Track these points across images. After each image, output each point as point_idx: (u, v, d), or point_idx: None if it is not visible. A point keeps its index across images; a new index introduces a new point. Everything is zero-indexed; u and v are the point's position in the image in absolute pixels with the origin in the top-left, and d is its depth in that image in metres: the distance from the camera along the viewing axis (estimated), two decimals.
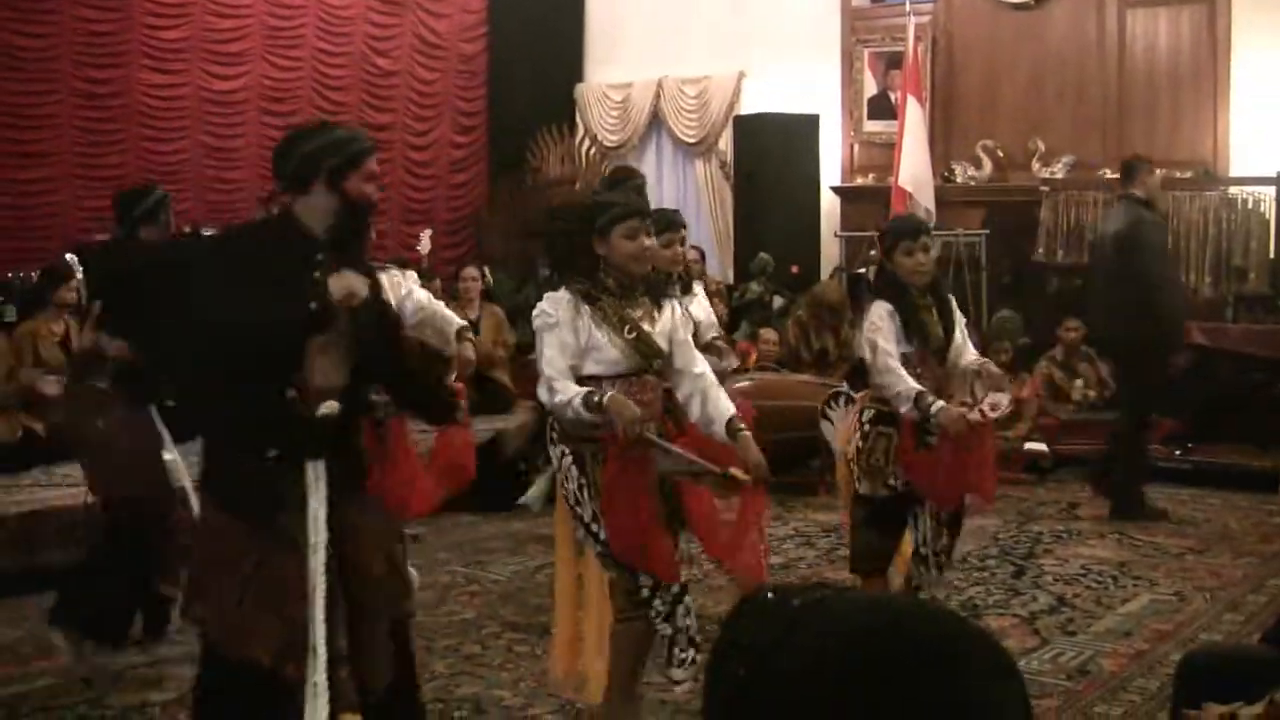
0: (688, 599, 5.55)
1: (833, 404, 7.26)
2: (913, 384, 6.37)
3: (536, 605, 7.93)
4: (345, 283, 4.53)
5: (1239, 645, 6.51)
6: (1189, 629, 7.51)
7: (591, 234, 5.49)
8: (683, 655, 5.52)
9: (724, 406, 5.55)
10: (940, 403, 6.35)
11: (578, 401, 5.20)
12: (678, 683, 5.58)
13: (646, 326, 5.47)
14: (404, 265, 7.80)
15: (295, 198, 4.76)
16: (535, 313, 5.53)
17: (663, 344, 5.50)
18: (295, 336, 4.58)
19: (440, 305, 6.63)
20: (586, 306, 5.40)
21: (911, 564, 6.74)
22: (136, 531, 7.03)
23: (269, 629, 4.50)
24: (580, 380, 5.35)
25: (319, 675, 4.57)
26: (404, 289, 6.45)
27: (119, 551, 7.12)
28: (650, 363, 5.48)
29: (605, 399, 5.17)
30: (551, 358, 5.34)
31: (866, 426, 6.65)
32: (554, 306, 5.42)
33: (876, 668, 1.62)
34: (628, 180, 9.78)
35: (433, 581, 8.54)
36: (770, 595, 1.79)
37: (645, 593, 5.45)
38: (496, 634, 7.49)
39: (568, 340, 5.36)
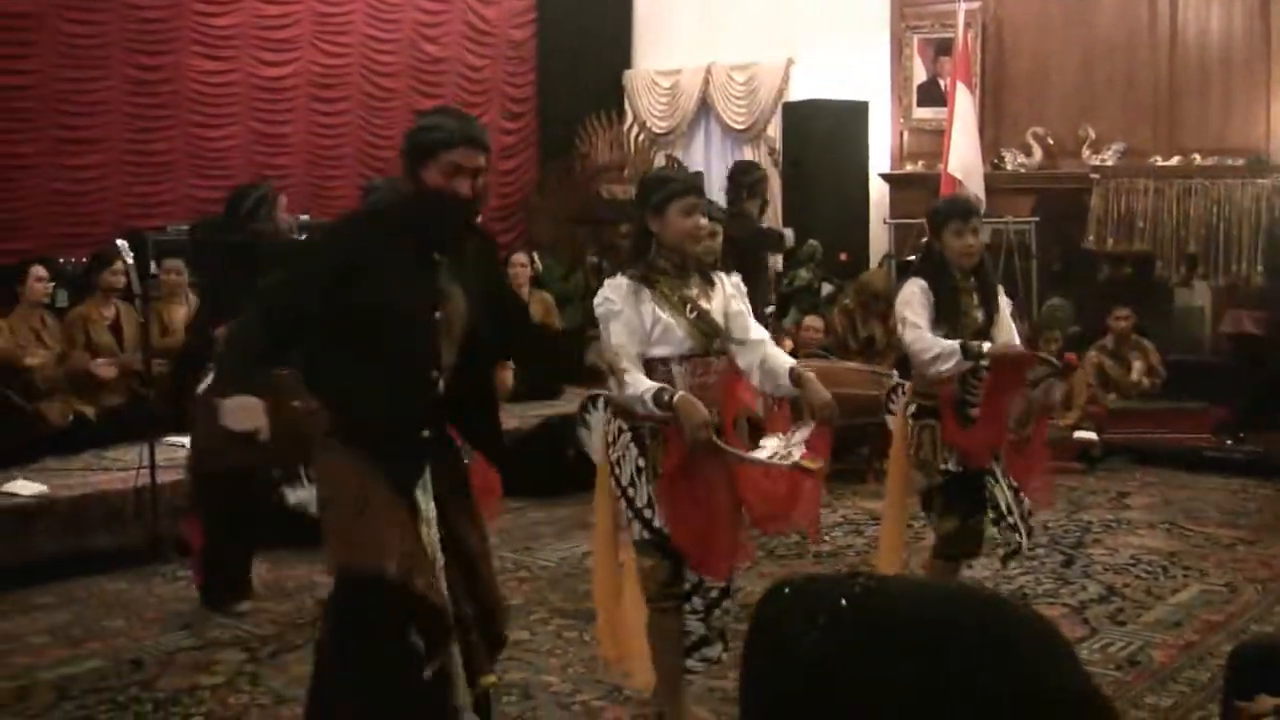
0: (727, 602, 5.54)
1: (893, 397, 7.24)
2: (948, 341, 6.37)
3: (584, 591, 7.93)
4: (234, 419, 4.49)
5: None
6: (1240, 620, 7.46)
7: (647, 211, 5.46)
8: (709, 653, 5.54)
9: (783, 360, 5.54)
10: (987, 344, 6.38)
11: (649, 397, 5.16)
12: (691, 672, 5.62)
13: (704, 304, 5.44)
14: None
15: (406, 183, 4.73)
16: (597, 301, 5.48)
17: (720, 320, 5.48)
18: (430, 325, 4.62)
19: None
20: (646, 290, 5.36)
21: (1001, 533, 6.73)
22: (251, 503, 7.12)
23: (390, 538, 4.49)
24: (647, 363, 5.32)
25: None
26: None
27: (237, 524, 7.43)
28: (711, 342, 5.44)
29: (676, 399, 5.13)
30: (621, 346, 5.30)
31: (910, 422, 6.69)
32: (615, 293, 5.38)
33: (936, 658, 1.62)
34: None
35: None
36: (803, 588, 1.79)
37: (685, 587, 5.45)
38: (545, 620, 7.51)
39: (634, 326, 5.32)
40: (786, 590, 1.82)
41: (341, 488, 4.60)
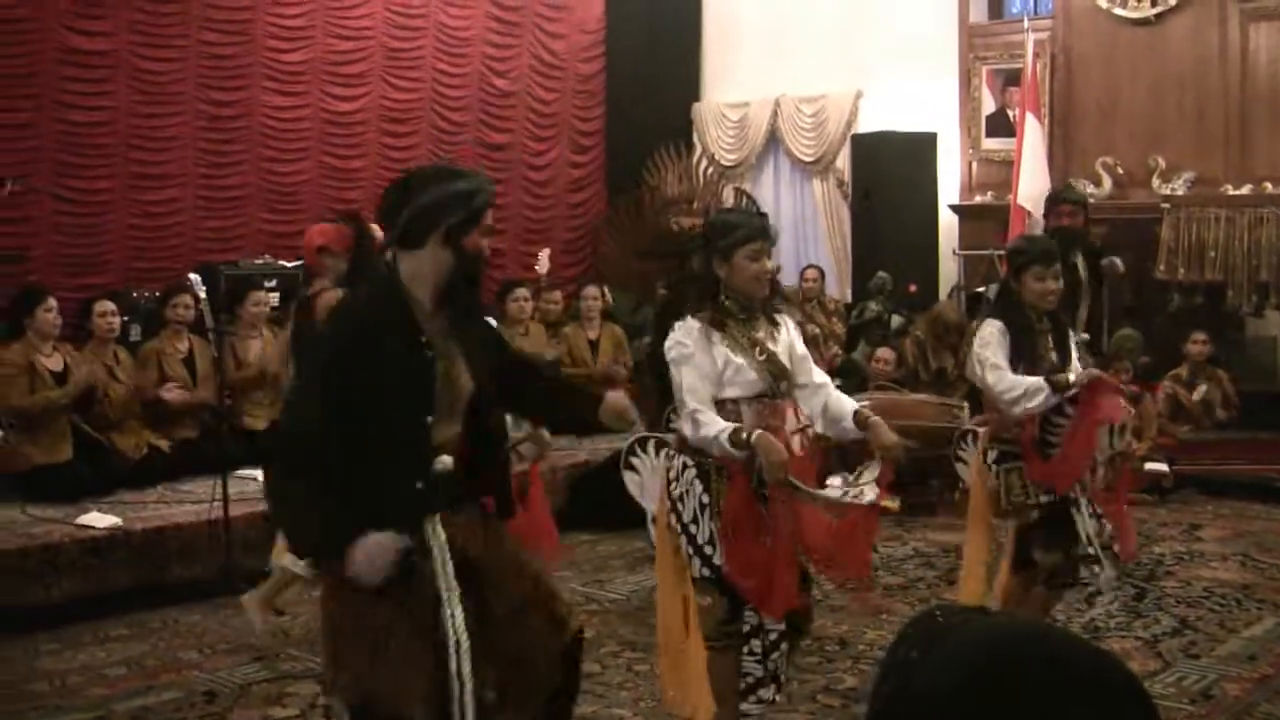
0: (784, 644, 5.52)
1: (963, 444, 7.19)
2: (1033, 378, 6.33)
3: (655, 624, 7.93)
4: (364, 559, 4.21)
5: None
6: None
7: (713, 255, 5.44)
8: (765, 694, 5.52)
9: (847, 403, 5.54)
10: (1073, 375, 6.35)
11: (724, 438, 5.13)
12: (745, 715, 5.56)
13: (771, 346, 5.44)
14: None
15: (403, 252, 4.46)
16: (668, 345, 5.45)
17: (786, 361, 5.47)
18: (423, 430, 4.38)
19: None
20: (716, 333, 5.35)
21: (1082, 567, 6.68)
22: None
23: (411, 684, 4.31)
24: (718, 404, 5.30)
25: None
26: None
27: None
28: (780, 384, 5.42)
29: (755, 437, 5.10)
30: (693, 387, 5.28)
31: (994, 467, 6.62)
32: (687, 336, 5.36)
33: (1003, 687, 1.63)
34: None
35: None
36: (936, 615, 1.81)
37: (745, 629, 5.44)
38: (615, 653, 7.52)
39: (706, 369, 5.30)
40: (917, 619, 1.85)
41: (358, 616, 4.35)
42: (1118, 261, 10.44)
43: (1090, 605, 7.38)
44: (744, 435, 5.12)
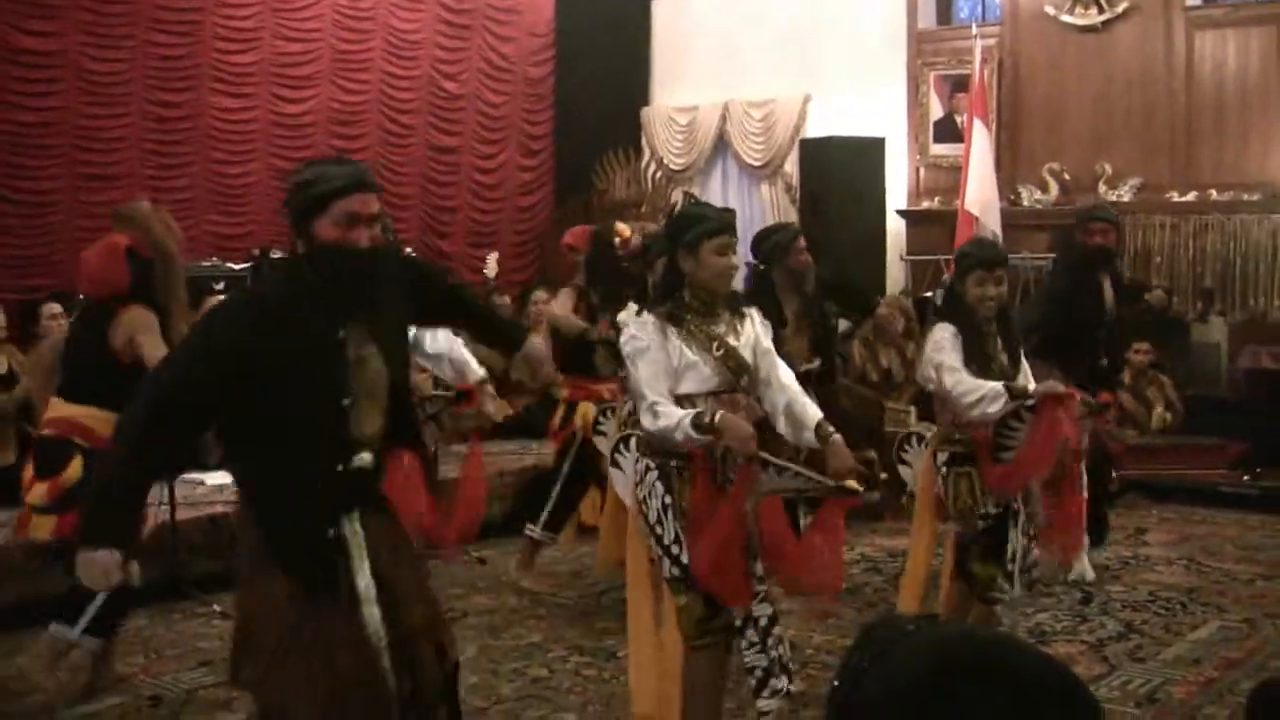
0: (778, 629, 5.48)
1: (907, 446, 7.18)
2: (993, 382, 6.33)
3: (603, 628, 7.95)
4: (90, 572, 4.13)
5: None
6: (1259, 656, 7.46)
7: (679, 248, 5.43)
8: (777, 685, 5.42)
9: (812, 411, 5.51)
10: (1032, 383, 6.36)
11: (687, 423, 5.09)
12: (764, 714, 5.48)
13: (732, 341, 5.40)
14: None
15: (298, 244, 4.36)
16: (623, 339, 5.46)
17: (748, 357, 5.44)
18: (338, 412, 4.30)
19: (460, 347, 6.65)
20: (673, 328, 5.33)
21: (1000, 582, 6.60)
22: None
23: (306, 696, 4.23)
24: (678, 400, 5.28)
25: None
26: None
27: None
28: (739, 379, 5.41)
29: (717, 418, 5.07)
30: (649, 380, 5.25)
31: (944, 470, 6.61)
32: (641, 331, 5.34)
33: (948, 694, 1.64)
34: None
35: (499, 605, 8.58)
36: (888, 623, 1.82)
37: (736, 622, 5.41)
38: (563, 657, 7.51)
39: (662, 363, 5.28)
40: (871, 626, 1.86)
41: (269, 613, 4.29)
42: (1161, 294, 10.21)
43: (1034, 609, 7.41)
44: (706, 418, 5.07)
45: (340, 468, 4.33)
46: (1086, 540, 8.71)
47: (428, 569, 4.95)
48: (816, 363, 9.28)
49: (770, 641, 5.43)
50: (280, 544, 4.33)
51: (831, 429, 5.46)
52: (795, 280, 8.95)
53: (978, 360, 6.46)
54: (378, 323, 4.46)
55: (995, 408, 6.30)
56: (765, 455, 5.14)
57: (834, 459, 5.32)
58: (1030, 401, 6.34)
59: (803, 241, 9.15)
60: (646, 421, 5.28)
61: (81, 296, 7.47)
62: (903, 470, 7.26)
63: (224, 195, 13.98)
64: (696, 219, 5.49)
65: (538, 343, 5.78)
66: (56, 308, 10.30)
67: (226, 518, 8.68)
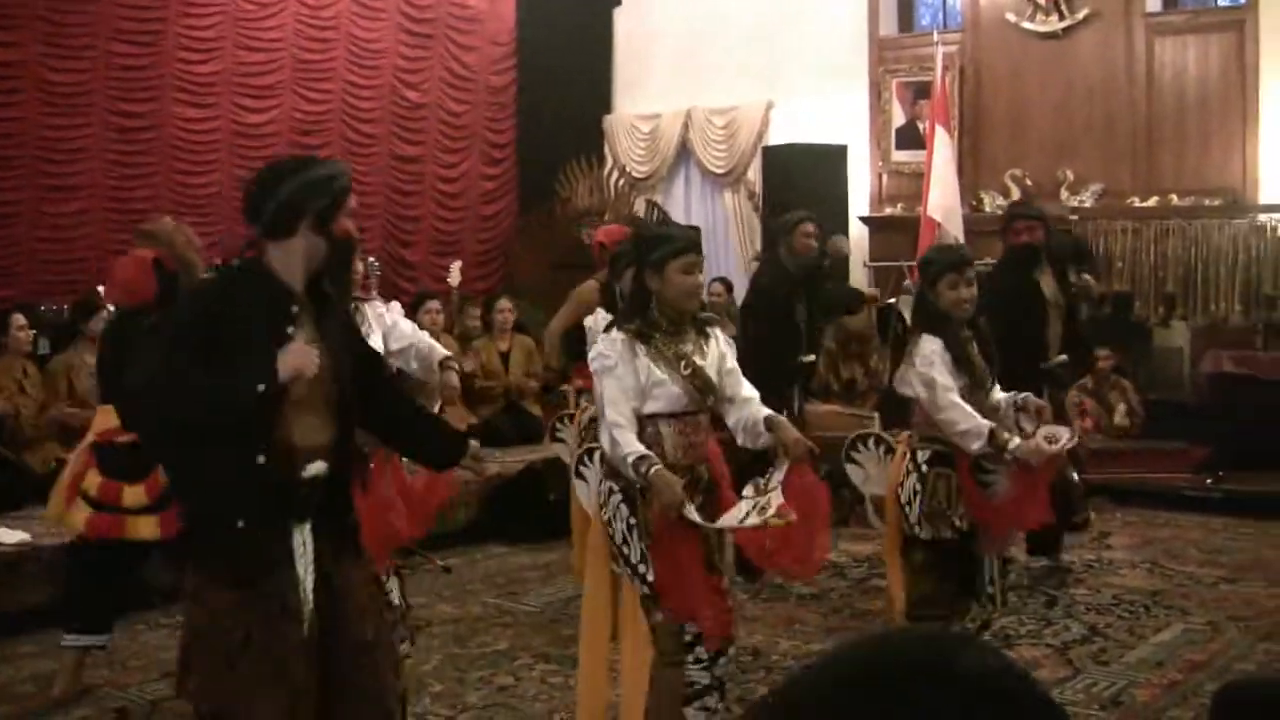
0: (731, 649, 5.51)
1: (859, 446, 7.12)
2: (982, 420, 6.27)
3: (569, 636, 7.93)
4: (294, 361, 4.21)
5: (1276, 676, 6.49)
6: (1222, 659, 7.49)
7: (645, 267, 5.43)
8: (709, 702, 5.47)
9: (760, 412, 5.50)
10: (1016, 439, 6.28)
11: (630, 460, 5.12)
12: None
13: (698, 360, 5.41)
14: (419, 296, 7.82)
15: (271, 243, 4.38)
16: (591, 356, 5.47)
17: (713, 376, 5.44)
18: (260, 404, 4.26)
19: (424, 335, 6.65)
20: (641, 346, 5.33)
21: (977, 606, 6.58)
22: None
23: (265, 700, 4.21)
24: (641, 420, 5.30)
25: None
26: (388, 320, 6.51)
27: None
28: (705, 399, 5.42)
29: (652, 474, 5.08)
30: (614, 401, 5.27)
31: (924, 469, 6.49)
32: (610, 349, 5.34)
33: (883, 687, 1.64)
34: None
35: (465, 613, 8.57)
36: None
37: (689, 638, 5.41)
38: (529, 665, 7.51)
39: (628, 382, 5.28)
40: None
41: (214, 624, 4.28)
42: (1088, 280, 10.13)
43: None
44: (644, 468, 5.10)
45: (288, 474, 4.31)
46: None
47: (382, 592, 4.91)
48: (812, 357, 9.35)
49: (721, 661, 5.49)
50: (210, 545, 4.33)
51: (777, 415, 5.50)
52: (800, 265, 9.04)
53: (964, 367, 6.42)
54: (328, 325, 4.48)
55: (976, 446, 6.24)
56: (690, 517, 5.16)
57: (781, 434, 5.36)
58: (1008, 458, 6.29)
59: (809, 226, 9.18)
60: (604, 441, 5.32)
61: (113, 308, 7.61)
62: (851, 470, 7.19)
63: (187, 205, 13.89)
64: (662, 239, 5.51)
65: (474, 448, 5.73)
66: (22, 319, 10.25)
67: None
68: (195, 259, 7.26)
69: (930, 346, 6.41)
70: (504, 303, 13.05)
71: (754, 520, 5.18)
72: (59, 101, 12.89)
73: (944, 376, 6.34)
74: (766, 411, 5.53)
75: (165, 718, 6.73)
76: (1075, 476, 9.27)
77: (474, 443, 5.19)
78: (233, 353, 4.26)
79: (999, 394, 6.58)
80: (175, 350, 4.34)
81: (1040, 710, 1.69)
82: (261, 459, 4.25)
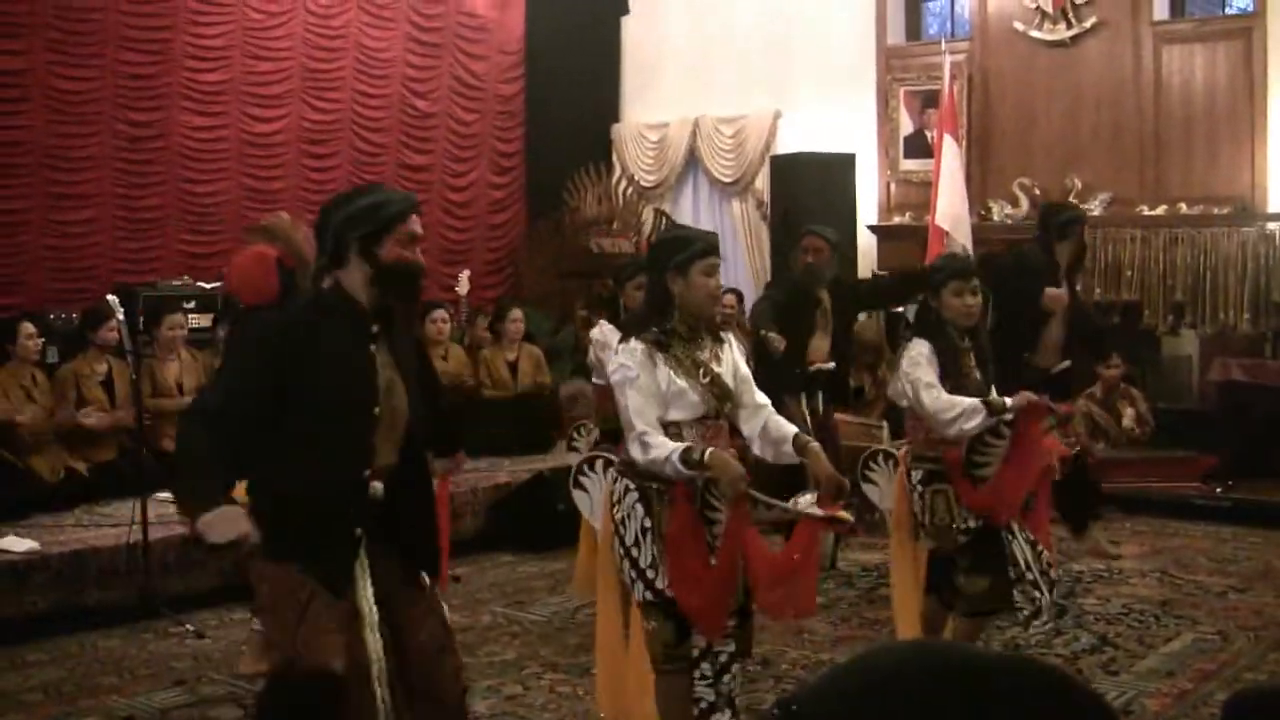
0: (735, 666, 5.48)
1: (873, 464, 7.15)
2: (970, 399, 6.31)
3: (577, 645, 7.95)
4: (221, 527, 4.19)
5: None
6: (1232, 668, 7.49)
7: (667, 271, 5.39)
8: (718, 718, 5.46)
9: (786, 427, 5.49)
10: (1009, 399, 6.33)
11: (676, 458, 5.08)
12: None
13: (715, 368, 5.39)
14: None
15: (339, 273, 4.60)
16: (612, 368, 5.42)
17: (730, 383, 5.43)
18: (368, 420, 4.53)
19: None
20: (660, 354, 5.30)
21: (1021, 595, 6.61)
22: None
23: (331, 642, 4.40)
24: (664, 427, 5.26)
25: None
26: None
27: None
28: (724, 405, 5.40)
29: (707, 456, 5.06)
30: (640, 409, 5.23)
31: (920, 488, 6.56)
32: (630, 358, 5.31)
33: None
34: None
35: (473, 622, 8.56)
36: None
37: (694, 652, 5.39)
38: (538, 674, 7.50)
39: (651, 390, 5.26)
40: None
41: (280, 595, 4.50)
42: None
43: (1026, 628, 7.45)
44: (696, 454, 5.07)
45: (365, 474, 4.52)
46: None
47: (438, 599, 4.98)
48: (832, 364, 9.37)
49: (725, 678, 5.44)
50: (297, 545, 4.48)
51: (809, 439, 5.47)
52: (805, 278, 9.15)
53: (954, 376, 6.46)
54: (400, 349, 4.70)
55: (973, 424, 6.29)
56: (754, 493, 5.14)
57: (814, 465, 5.31)
58: (1008, 416, 6.34)
59: (811, 241, 9.28)
60: (635, 452, 5.25)
61: (242, 305, 7.63)
62: (868, 489, 7.23)
63: (194, 214, 13.93)
64: (685, 241, 5.47)
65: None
66: (31, 328, 10.27)
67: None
68: (310, 256, 7.27)
69: (918, 349, 6.49)
70: (516, 312, 13.04)
71: (814, 510, 5.16)
72: (67, 110, 12.89)
73: (928, 375, 6.39)
74: (793, 429, 5.51)
75: None
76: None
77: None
78: (316, 374, 4.44)
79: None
80: (234, 394, 4.50)
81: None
82: (368, 473, 4.54)
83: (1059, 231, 9.42)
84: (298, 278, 6.96)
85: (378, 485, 4.53)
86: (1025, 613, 6.70)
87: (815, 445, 5.43)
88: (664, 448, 5.14)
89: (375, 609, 4.52)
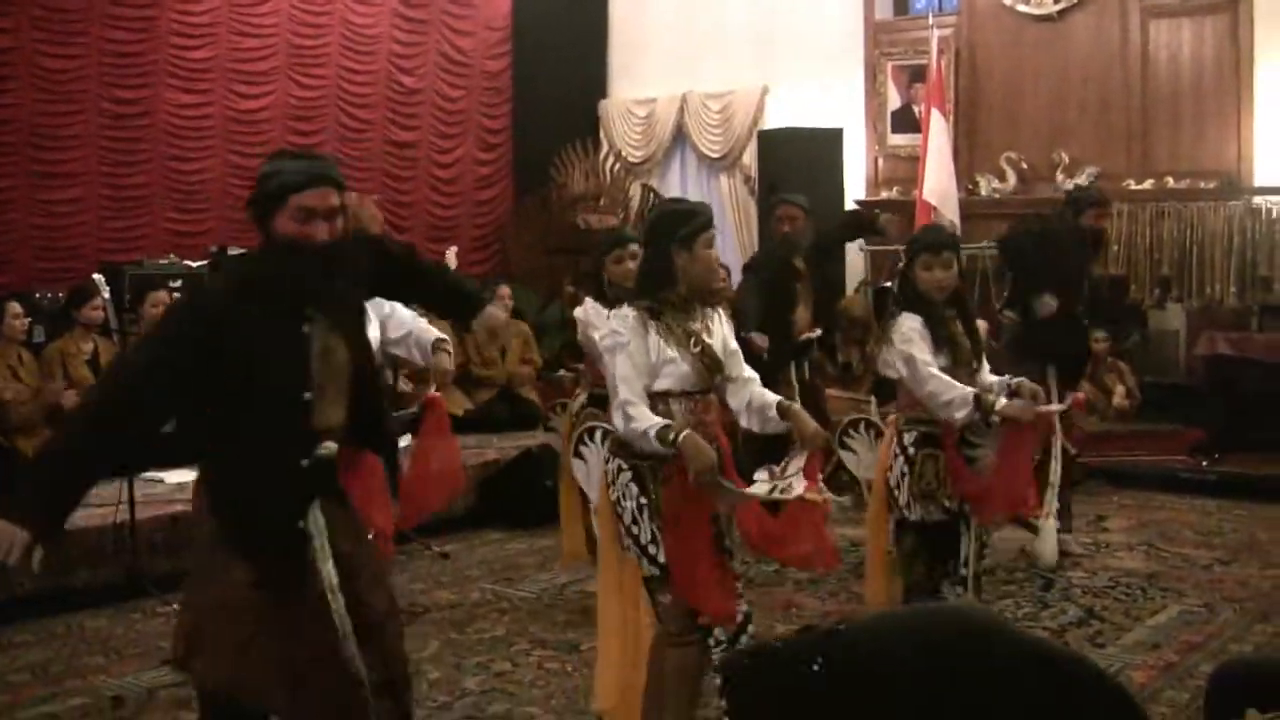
0: (750, 628, 5.46)
1: (852, 432, 7.12)
2: (965, 387, 6.29)
3: (566, 621, 7.96)
4: None
5: (1271, 657, 6.50)
6: (1218, 640, 7.51)
7: (672, 244, 5.38)
8: None
9: (770, 396, 5.50)
10: (1002, 399, 6.30)
11: (653, 433, 5.10)
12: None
13: (706, 339, 5.40)
14: None
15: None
16: (603, 334, 5.44)
17: (720, 355, 5.44)
18: (299, 407, 4.31)
19: (422, 321, 6.65)
20: (653, 323, 5.31)
21: (946, 587, 6.55)
22: None
23: (287, 670, 4.25)
24: (651, 397, 5.27)
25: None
26: (385, 308, 6.53)
27: None
28: (714, 377, 5.40)
29: (681, 439, 5.07)
30: (627, 379, 5.24)
31: (911, 450, 6.49)
32: (622, 325, 5.31)
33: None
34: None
35: (462, 599, 8.57)
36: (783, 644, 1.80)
37: (706, 619, 5.38)
38: (526, 651, 7.50)
39: (639, 359, 5.25)
40: (749, 658, 1.84)
41: (229, 606, 4.29)
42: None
43: (996, 595, 7.45)
44: (671, 435, 5.08)
45: (304, 461, 4.33)
46: (1055, 524, 8.78)
47: (382, 557, 4.93)
48: (818, 331, 9.40)
49: (742, 641, 5.38)
50: (244, 536, 4.33)
51: (791, 403, 5.49)
52: (782, 246, 9.21)
53: (945, 346, 6.43)
54: (341, 313, 4.48)
55: (961, 414, 6.24)
56: (724, 482, 5.15)
57: (798, 424, 5.33)
58: (995, 419, 6.31)
59: (786, 209, 9.37)
60: (617, 420, 5.27)
61: None
62: (846, 456, 7.23)
63: (180, 191, 13.90)
64: (689, 214, 5.47)
65: (494, 311, 5.90)
66: (18, 307, 10.25)
67: (187, 516, 8.64)
68: (378, 230, 7.52)
69: (909, 324, 6.43)
70: (504, 289, 13.03)
71: (784, 496, 5.18)
72: (52, 88, 12.85)
73: (922, 352, 6.34)
74: (776, 397, 5.52)
75: (161, 706, 6.73)
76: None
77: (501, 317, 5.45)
78: (238, 363, 4.24)
79: (989, 375, 6.55)
80: (124, 386, 4.33)
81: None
82: (304, 461, 4.34)
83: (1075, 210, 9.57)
84: None
85: (330, 445, 4.39)
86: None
87: (797, 406, 5.46)
88: (644, 421, 5.15)
89: (334, 572, 4.36)
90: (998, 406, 6.23)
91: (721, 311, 5.62)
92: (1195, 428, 12.24)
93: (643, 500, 5.31)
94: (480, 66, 16.76)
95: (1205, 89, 13.79)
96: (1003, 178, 14.66)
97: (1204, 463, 11.86)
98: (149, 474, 9.17)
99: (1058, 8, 14.42)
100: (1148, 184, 13.78)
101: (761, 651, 1.84)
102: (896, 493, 6.54)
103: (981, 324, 6.92)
